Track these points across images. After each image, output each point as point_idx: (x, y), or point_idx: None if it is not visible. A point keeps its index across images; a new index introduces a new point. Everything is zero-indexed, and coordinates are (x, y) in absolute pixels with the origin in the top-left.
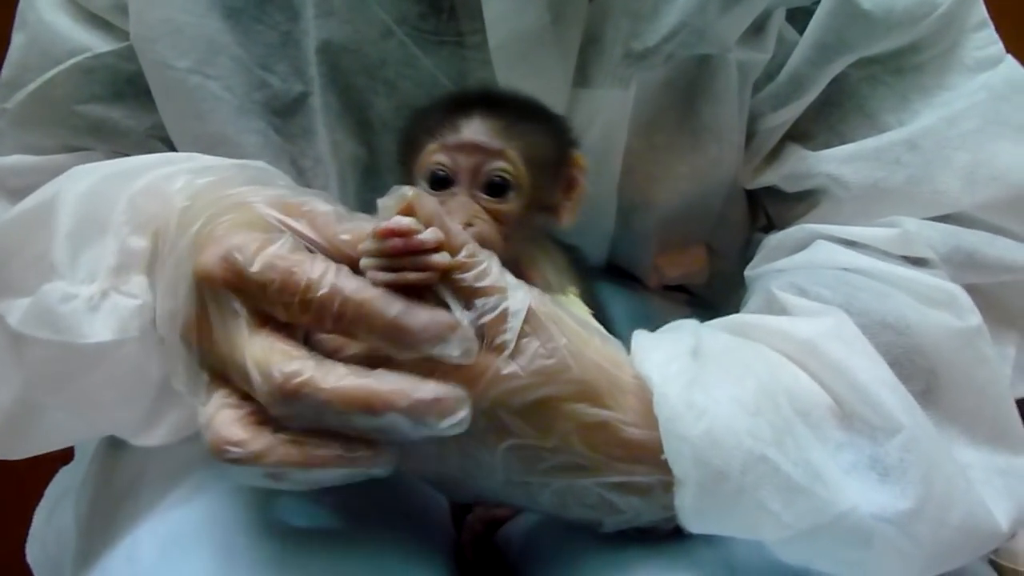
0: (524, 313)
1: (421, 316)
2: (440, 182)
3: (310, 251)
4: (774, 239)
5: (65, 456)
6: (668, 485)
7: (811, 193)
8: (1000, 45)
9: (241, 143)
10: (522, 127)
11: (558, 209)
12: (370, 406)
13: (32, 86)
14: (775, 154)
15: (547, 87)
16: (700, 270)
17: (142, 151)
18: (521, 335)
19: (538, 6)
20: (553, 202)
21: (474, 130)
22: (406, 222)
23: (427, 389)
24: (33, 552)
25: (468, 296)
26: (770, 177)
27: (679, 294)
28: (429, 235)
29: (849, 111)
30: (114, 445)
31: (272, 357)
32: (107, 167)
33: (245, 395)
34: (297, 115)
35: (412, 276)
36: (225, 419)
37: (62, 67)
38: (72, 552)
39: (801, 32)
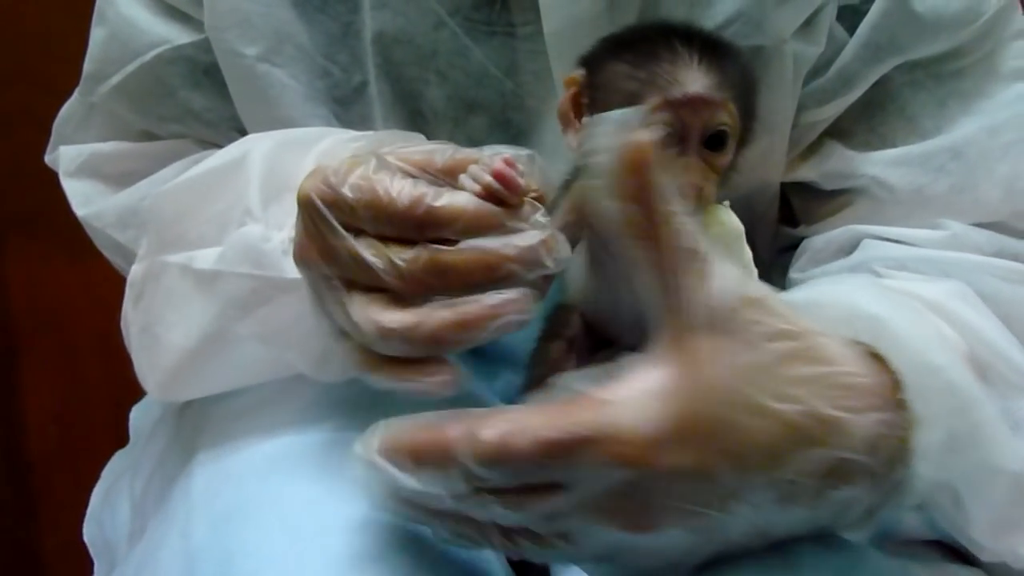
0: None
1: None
2: (664, 139)
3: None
4: (819, 240)
5: (120, 440)
6: (908, 430)
7: (847, 191)
8: None
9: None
10: (730, 72)
11: (745, 144)
12: (489, 266)
13: (115, 79)
14: (813, 149)
15: None
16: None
17: (225, 140)
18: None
19: None
20: (745, 138)
21: (700, 83)
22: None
23: (529, 236)
24: (90, 532)
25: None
26: (807, 172)
27: None
28: (523, 183)
29: (891, 113)
30: (168, 428)
31: (386, 251)
32: (284, 134)
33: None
34: (357, 104)
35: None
36: (375, 306)
37: (143, 59)
38: (127, 531)
39: (848, 30)
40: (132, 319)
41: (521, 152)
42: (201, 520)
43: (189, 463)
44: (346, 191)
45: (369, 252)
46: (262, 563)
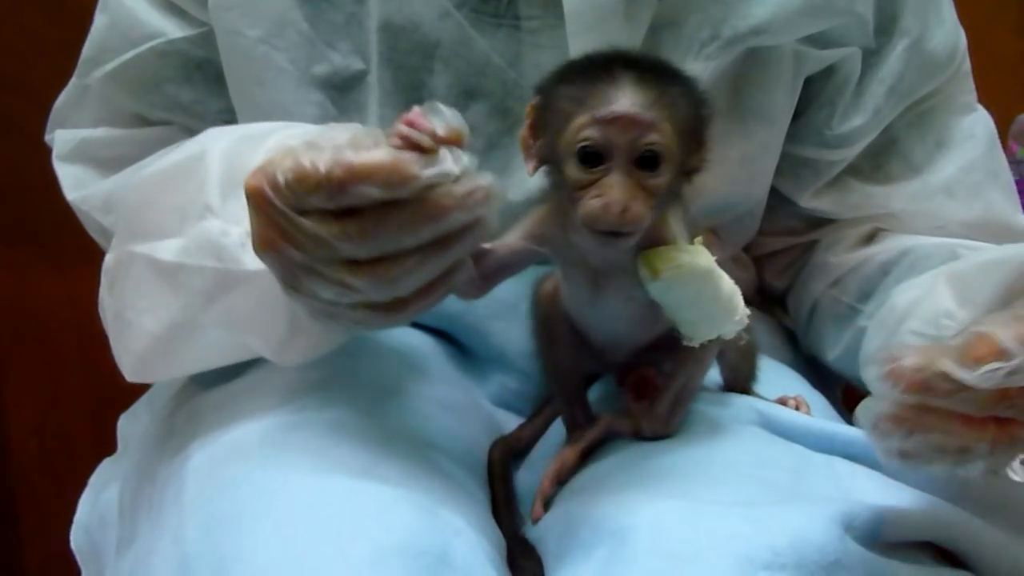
0: None
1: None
2: (590, 157)
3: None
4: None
5: (102, 451)
6: None
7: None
8: (975, 93)
9: (298, 113)
10: (669, 95)
11: (693, 172)
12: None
13: (110, 65)
14: (830, 184)
15: None
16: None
17: None
18: None
19: None
20: (692, 166)
21: (627, 102)
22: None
23: (482, 177)
24: (78, 540)
25: None
26: (829, 205)
27: None
28: (433, 125)
29: (892, 152)
30: (156, 435)
31: (336, 221)
32: (239, 130)
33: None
34: (354, 91)
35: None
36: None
37: (139, 49)
38: (115, 538)
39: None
40: (107, 305)
41: (428, 103)
42: (193, 525)
43: (180, 473)
44: (279, 175)
45: (321, 226)
46: (256, 569)
